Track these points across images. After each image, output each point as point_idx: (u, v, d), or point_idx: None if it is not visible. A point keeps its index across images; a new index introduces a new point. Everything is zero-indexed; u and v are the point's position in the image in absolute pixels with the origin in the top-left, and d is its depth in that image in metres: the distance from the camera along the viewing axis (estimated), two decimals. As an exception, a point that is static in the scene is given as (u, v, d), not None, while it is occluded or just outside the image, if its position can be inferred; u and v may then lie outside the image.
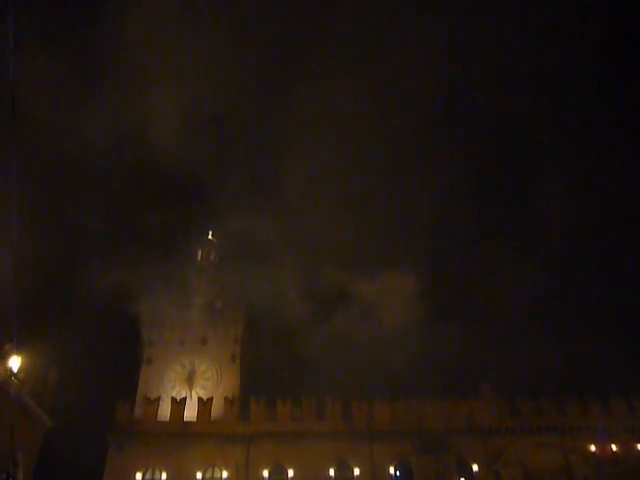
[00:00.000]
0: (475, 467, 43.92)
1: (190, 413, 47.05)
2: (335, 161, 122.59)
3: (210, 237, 73.54)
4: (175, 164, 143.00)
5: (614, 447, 44.57)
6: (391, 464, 44.16)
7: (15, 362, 29.70)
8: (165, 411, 47.69)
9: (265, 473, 43.41)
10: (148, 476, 43.45)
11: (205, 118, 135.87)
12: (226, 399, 48.83)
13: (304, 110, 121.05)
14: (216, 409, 47.95)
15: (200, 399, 48.61)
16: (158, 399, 48.70)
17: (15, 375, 30.82)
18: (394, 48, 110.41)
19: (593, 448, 44.42)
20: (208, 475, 43.68)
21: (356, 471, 43.66)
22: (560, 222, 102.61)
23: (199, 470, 43.34)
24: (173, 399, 48.46)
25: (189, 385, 55.23)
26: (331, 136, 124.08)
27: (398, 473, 44.10)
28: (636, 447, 44.80)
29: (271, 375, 64.50)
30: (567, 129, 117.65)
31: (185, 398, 49.14)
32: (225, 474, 43.31)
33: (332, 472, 43.61)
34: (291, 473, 43.34)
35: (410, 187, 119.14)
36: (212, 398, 48.64)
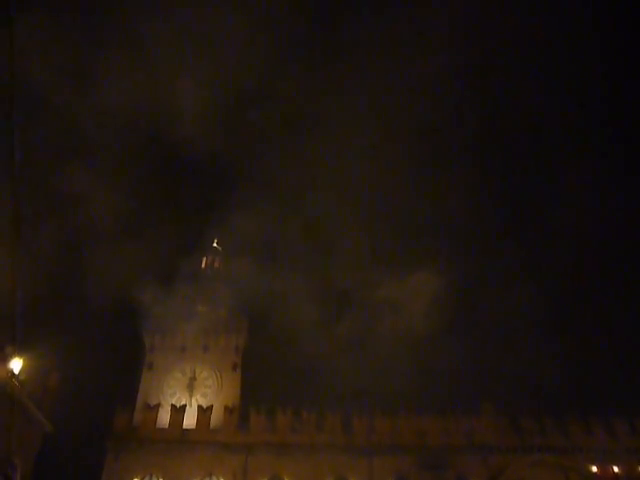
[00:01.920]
0: (475, 485, 43.54)
1: (189, 421, 46.86)
2: (359, 156, 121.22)
3: (215, 245, 73.69)
4: (194, 149, 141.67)
5: (616, 469, 44.14)
6: (390, 479, 43.79)
7: (16, 364, 29.61)
8: (164, 418, 47.51)
9: (263, 484, 43.12)
10: (145, 483, 43.21)
11: (229, 97, 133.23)
12: (226, 408, 48.63)
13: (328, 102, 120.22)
14: (216, 417, 47.76)
15: (200, 407, 48.43)
16: (158, 406, 48.54)
17: (16, 377, 30.76)
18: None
19: (595, 469, 43.99)
20: (205, 484, 43.42)
21: (354, 485, 43.32)
22: (571, 235, 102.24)
23: (197, 478, 43.07)
24: (173, 406, 48.28)
25: (189, 392, 55.08)
26: (355, 129, 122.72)
27: (397, 488, 43.70)
28: (638, 469, 44.33)
29: (272, 385, 64.29)
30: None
31: (185, 405, 48.94)
32: (223, 484, 43.03)
33: (330, 485, 43.30)
34: (289, 485, 43.04)
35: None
36: (212, 406, 48.47)
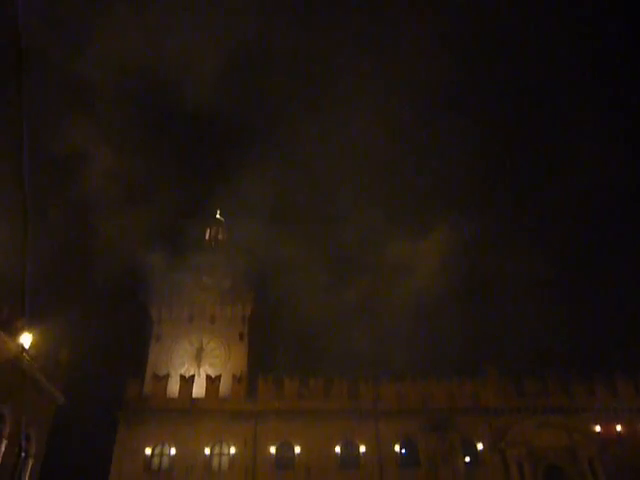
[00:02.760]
0: (480, 446, 44.37)
1: (198, 390, 47.69)
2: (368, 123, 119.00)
3: (218, 216, 73.74)
4: (201, 109, 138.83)
5: (619, 427, 44.84)
6: (396, 442, 44.66)
7: (27, 339, 30.03)
8: (174, 388, 48.33)
9: (272, 449, 44.05)
10: (157, 451, 44.20)
11: (238, 56, 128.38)
12: (234, 377, 49.38)
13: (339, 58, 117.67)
14: (224, 386, 48.55)
15: (208, 376, 49.17)
16: (167, 376, 49.33)
17: (27, 351, 31.21)
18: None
19: (598, 428, 44.70)
20: (216, 451, 44.37)
21: (362, 449, 44.21)
22: (578, 202, 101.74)
23: (207, 446, 44.01)
24: (182, 376, 49.04)
25: (197, 362, 55.82)
26: (366, 98, 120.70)
27: (404, 451, 44.59)
28: (641, 428, 45.06)
29: (279, 353, 65.06)
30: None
31: (193, 375, 49.71)
32: (233, 450, 43.97)
33: (338, 449, 44.21)
34: (298, 450, 43.96)
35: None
36: (220, 375, 49.22)
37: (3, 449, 31.19)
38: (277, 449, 44.27)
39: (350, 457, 44.28)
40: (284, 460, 44.10)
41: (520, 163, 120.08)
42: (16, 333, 30.72)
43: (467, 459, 43.90)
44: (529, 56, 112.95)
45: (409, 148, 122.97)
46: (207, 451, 43.88)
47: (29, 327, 30.50)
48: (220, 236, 71.91)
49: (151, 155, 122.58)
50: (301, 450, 43.99)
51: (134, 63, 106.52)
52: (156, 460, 44.03)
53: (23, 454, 34.47)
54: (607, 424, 45.01)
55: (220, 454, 44.36)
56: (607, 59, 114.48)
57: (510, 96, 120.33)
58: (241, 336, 58.50)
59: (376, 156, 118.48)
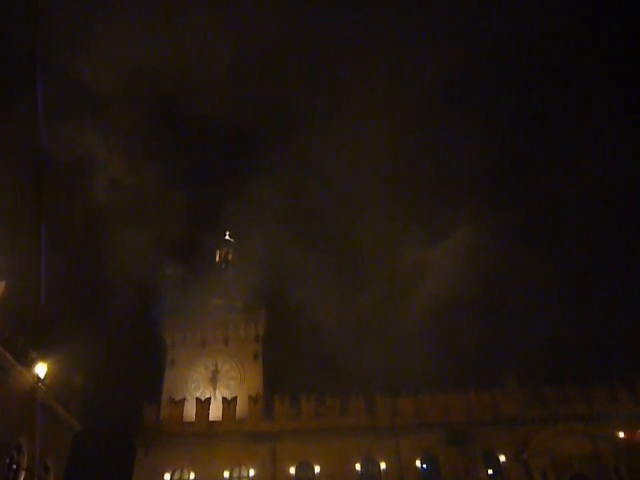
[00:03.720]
0: (502, 458, 43.64)
1: (215, 413, 47.45)
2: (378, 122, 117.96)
3: (227, 237, 73.93)
4: (210, 115, 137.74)
5: (643, 433, 44.04)
6: (417, 457, 44.04)
7: (41, 369, 30.03)
8: (190, 412, 48.13)
9: (292, 470, 43.59)
10: (176, 476, 43.91)
11: (250, 59, 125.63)
12: (250, 398, 49.12)
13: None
14: (241, 408, 48.29)
15: (224, 399, 48.97)
16: (183, 400, 49.19)
17: (42, 381, 31.21)
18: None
19: (622, 434, 43.89)
20: (235, 474, 43.97)
21: (382, 465, 43.65)
22: (592, 200, 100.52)
23: (226, 469, 43.64)
24: (198, 399, 48.89)
25: (213, 385, 55.66)
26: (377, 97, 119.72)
27: (425, 466, 43.95)
28: (666, 432, 44.21)
29: (294, 372, 64.64)
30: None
31: (209, 398, 49.54)
32: (252, 472, 43.55)
33: (358, 467, 43.67)
34: (317, 469, 43.47)
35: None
36: (236, 397, 49.01)
37: (22, 480, 31.13)
38: (297, 469, 43.80)
39: (371, 474, 43.71)
40: (304, 480, 43.66)
41: (538, 162, 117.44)
42: (31, 364, 30.76)
43: (490, 472, 43.18)
44: (548, 42, 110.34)
45: (424, 153, 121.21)
46: (226, 474, 43.46)
47: (43, 356, 30.54)
48: (230, 257, 72.05)
49: (162, 166, 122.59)
50: (321, 469, 43.49)
51: (144, 69, 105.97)
52: (176, 485, 43.71)
53: (42, 485, 34.37)
54: (631, 430, 44.19)
55: (240, 477, 43.92)
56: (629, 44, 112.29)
57: (528, 89, 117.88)
58: (255, 356, 58.34)
59: (391, 161, 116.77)
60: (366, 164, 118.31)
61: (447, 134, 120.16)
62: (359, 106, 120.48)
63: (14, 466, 30.75)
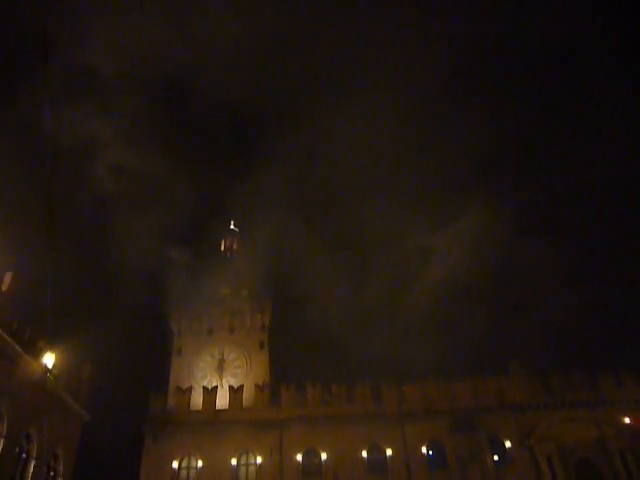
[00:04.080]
0: (508, 444, 43.80)
1: (222, 401, 47.78)
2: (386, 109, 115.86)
3: (232, 227, 74.00)
4: (220, 103, 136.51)
5: (649, 419, 44.09)
6: (423, 444, 44.24)
7: (49, 359, 30.24)
8: (197, 400, 48.49)
9: (299, 457, 43.91)
10: (184, 464, 44.33)
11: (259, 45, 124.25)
12: (256, 386, 49.39)
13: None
14: (247, 396, 48.59)
15: (231, 387, 49.24)
16: (190, 389, 49.53)
17: (50, 371, 31.45)
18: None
19: (627, 420, 43.99)
20: (243, 461, 44.34)
21: (388, 452, 43.88)
22: (600, 184, 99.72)
23: (233, 457, 44.01)
24: (204, 388, 49.20)
25: (219, 374, 55.96)
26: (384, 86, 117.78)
27: (431, 453, 44.17)
28: (671, 417, 44.25)
29: (300, 360, 64.95)
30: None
31: (216, 387, 49.85)
32: (259, 459, 43.91)
33: (365, 454, 43.93)
34: (324, 456, 43.77)
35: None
36: (243, 386, 49.30)
37: (32, 469, 31.48)
38: (303, 456, 44.12)
39: (377, 461, 43.96)
40: (311, 467, 43.93)
41: (549, 150, 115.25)
42: (39, 354, 31.00)
43: (496, 458, 43.33)
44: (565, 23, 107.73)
45: (432, 141, 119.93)
46: (234, 462, 43.86)
47: (51, 347, 30.76)
48: (235, 246, 72.15)
49: (169, 153, 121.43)
50: (327, 456, 43.79)
51: (153, 54, 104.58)
52: (184, 473, 44.15)
53: (52, 473, 34.75)
54: (636, 415, 44.26)
55: (247, 464, 44.31)
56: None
57: (542, 75, 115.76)
58: (261, 345, 58.56)
59: (398, 149, 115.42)
60: (373, 152, 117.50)
61: (456, 122, 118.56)
62: (367, 94, 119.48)
63: (24, 455, 31.07)
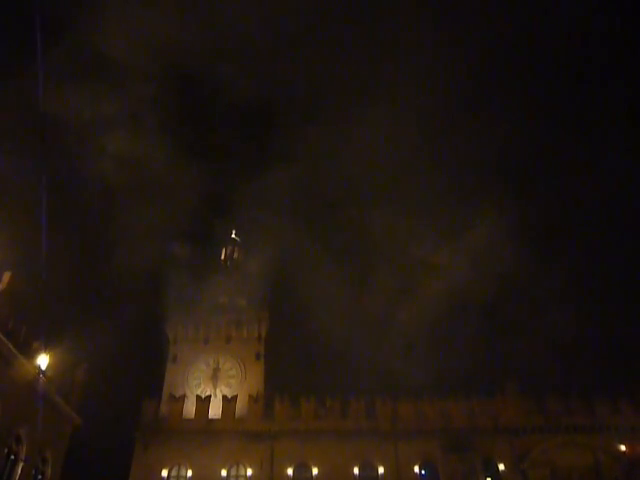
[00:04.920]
0: (502, 466, 43.39)
1: (215, 411, 47.44)
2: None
3: (234, 236, 73.96)
4: (229, 98, 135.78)
5: (645, 447, 43.69)
6: (416, 463, 43.85)
7: (43, 360, 30.07)
8: (190, 409, 48.13)
9: (289, 471, 43.50)
10: (174, 473, 43.89)
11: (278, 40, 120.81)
12: (250, 397, 49.08)
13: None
14: (240, 407, 48.25)
15: (225, 397, 48.94)
16: (183, 397, 49.22)
17: (43, 373, 31.22)
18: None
19: (623, 448, 43.59)
20: (233, 472, 43.94)
21: (380, 470, 43.47)
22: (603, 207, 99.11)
23: (224, 467, 43.61)
24: (198, 397, 48.88)
25: (214, 383, 55.58)
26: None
27: (423, 472, 43.76)
28: (668, 447, 43.85)
29: (295, 373, 64.51)
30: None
31: (210, 396, 49.54)
32: (250, 472, 43.49)
33: (356, 471, 43.50)
34: (315, 471, 43.36)
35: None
36: (237, 396, 48.98)
37: (19, 471, 31.10)
38: (294, 470, 43.70)
39: (369, 479, 43.54)
40: (302, 482, 43.53)
41: (562, 160, 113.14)
42: (33, 355, 30.80)
43: (488, 480, 42.97)
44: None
45: (441, 150, 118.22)
46: (224, 473, 43.44)
47: (46, 348, 30.57)
48: (236, 255, 72.05)
49: (175, 146, 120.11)
50: (319, 471, 43.36)
51: (165, 42, 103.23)
52: (173, 482, 43.69)
53: (40, 476, 34.36)
54: (633, 443, 43.87)
55: (237, 476, 43.90)
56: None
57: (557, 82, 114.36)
58: (257, 356, 58.23)
59: (407, 155, 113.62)
60: (382, 160, 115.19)
61: (467, 133, 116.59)
62: (380, 102, 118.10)
63: (12, 457, 30.71)
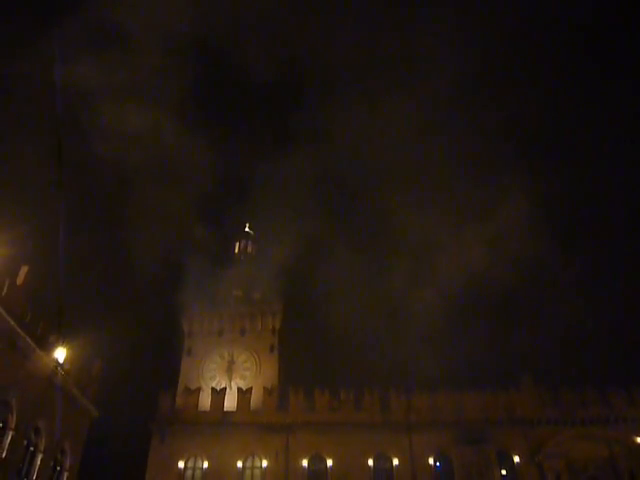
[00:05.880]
0: (516, 459, 43.30)
1: (230, 403, 47.75)
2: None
3: (247, 229, 74.20)
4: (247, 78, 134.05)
5: (661, 439, 43.36)
6: (430, 455, 43.89)
7: (61, 353, 30.50)
8: (205, 401, 48.51)
9: (304, 462, 43.76)
10: (190, 464, 44.32)
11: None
12: (265, 389, 49.33)
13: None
14: (255, 399, 48.52)
15: (239, 389, 49.26)
16: (198, 389, 49.62)
17: (61, 366, 31.67)
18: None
19: (639, 440, 43.30)
20: (248, 464, 44.26)
21: (395, 462, 43.59)
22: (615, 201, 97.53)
23: (239, 459, 43.95)
24: (213, 389, 49.24)
25: (228, 375, 55.98)
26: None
27: (438, 464, 43.79)
28: (683, 438, 43.47)
29: (309, 365, 64.80)
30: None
31: (225, 388, 49.88)
32: (265, 463, 43.81)
33: (371, 462, 43.66)
34: (330, 463, 43.57)
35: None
36: (251, 388, 49.27)
37: (39, 462, 31.67)
38: (309, 462, 43.96)
39: (383, 470, 43.67)
40: (316, 473, 43.73)
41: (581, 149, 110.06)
42: (50, 348, 31.24)
43: (503, 472, 42.85)
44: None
45: (460, 132, 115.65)
46: (239, 464, 43.80)
47: (63, 342, 30.99)
48: (249, 249, 72.31)
49: (192, 132, 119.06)
50: (333, 463, 43.58)
51: (184, 14, 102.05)
52: (189, 473, 44.13)
53: (58, 468, 34.92)
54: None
55: (252, 467, 44.23)
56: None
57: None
58: (272, 348, 58.51)
59: (426, 138, 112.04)
60: (399, 139, 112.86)
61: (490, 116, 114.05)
62: (403, 82, 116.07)
63: (32, 448, 31.25)
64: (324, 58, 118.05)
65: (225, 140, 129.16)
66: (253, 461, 44.43)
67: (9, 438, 28.45)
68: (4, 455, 28.04)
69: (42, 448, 31.96)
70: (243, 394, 48.28)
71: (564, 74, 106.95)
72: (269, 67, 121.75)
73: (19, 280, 29.87)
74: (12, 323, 28.09)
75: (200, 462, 44.22)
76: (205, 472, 43.65)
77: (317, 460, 44.16)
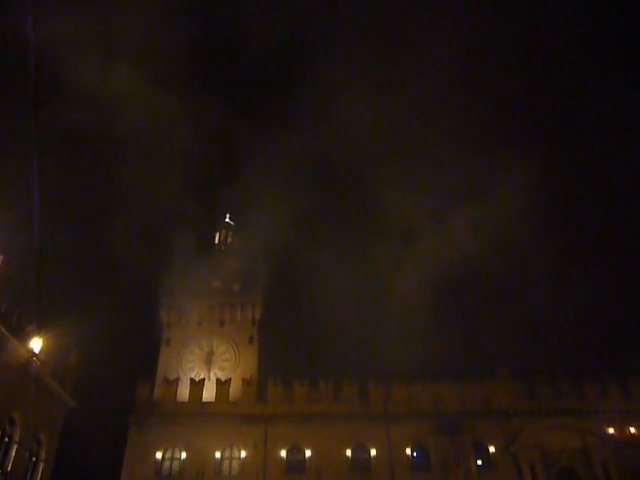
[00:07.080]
0: (492, 449, 43.96)
1: (208, 394, 47.70)
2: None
3: (228, 220, 73.78)
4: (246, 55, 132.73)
5: (632, 430, 44.28)
6: (408, 445, 44.37)
7: (37, 343, 30.05)
8: (184, 392, 48.38)
9: (283, 453, 43.93)
10: (168, 455, 44.26)
11: None
12: (244, 380, 49.37)
13: None
14: (234, 390, 48.53)
15: (218, 380, 49.20)
16: (177, 380, 49.43)
17: (37, 356, 31.27)
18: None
19: (612, 430, 44.19)
20: (227, 455, 44.31)
21: (373, 452, 43.97)
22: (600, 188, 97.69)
23: (218, 450, 43.96)
24: (192, 380, 49.14)
25: (207, 366, 55.80)
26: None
27: (415, 454, 44.30)
28: (655, 430, 44.45)
29: (288, 357, 64.82)
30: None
31: (203, 379, 49.82)
32: (243, 454, 43.90)
33: (349, 453, 43.99)
34: (308, 453, 43.82)
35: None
36: (230, 379, 49.25)
37: (14, 453, 31.35)
38: (288, 453, 44.15)
39: (361, 461, 44.04)
40: (295, 464, 43.96)
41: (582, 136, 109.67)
42: (26, 338, 30.82)
43: (479, 462, 43.48)
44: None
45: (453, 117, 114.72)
46: (218, 455, 43.82)
47: (39, 331, 30.59)
48: (229, 239, 71.95)
49: (178, 112, 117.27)
50: (312, 454, 43.83)
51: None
52: (167, 464, 44.07)
53: (34, 458, 34.61)
54: (621, 426, 44.45)
55: (231, 458, 44.30)
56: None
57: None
58: (251, 339, 58.43)
59: (416, 120, 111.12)
60: (389, 124, 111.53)
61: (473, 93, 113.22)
62: (401, 62, 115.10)
63: (6, 439, 30.93)
64: (323, 33, 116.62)
65: (216, 116, 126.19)
66: (232, 452, 44.49)
67: (-17, 429, 28.12)
68: (-22, 446, 27.70)
69: (17, 439, 31.65)
70: (222, 385, 48.23)
71: (555, 58, 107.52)
72: (266, 35, 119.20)
73: (-6, 269, 29.44)
74: (-13, 312, 27.67)
75: (178, 453, 44.18)
76: (183, 463, 43.61)
77: (296, 451, 44.38)
